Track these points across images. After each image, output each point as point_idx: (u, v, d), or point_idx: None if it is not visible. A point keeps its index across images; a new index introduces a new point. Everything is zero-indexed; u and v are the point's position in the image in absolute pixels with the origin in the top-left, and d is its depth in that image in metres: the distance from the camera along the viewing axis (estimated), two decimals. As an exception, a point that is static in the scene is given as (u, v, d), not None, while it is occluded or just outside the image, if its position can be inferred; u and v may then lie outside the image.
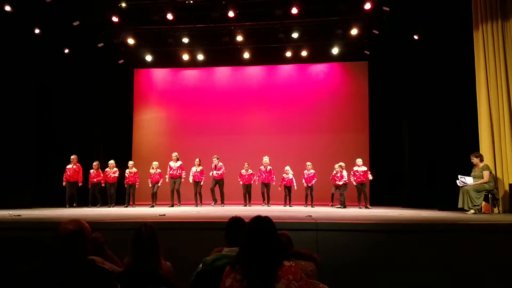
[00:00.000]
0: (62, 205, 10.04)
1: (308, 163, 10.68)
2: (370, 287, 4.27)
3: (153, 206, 10.35)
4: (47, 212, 8.06)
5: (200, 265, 3.00)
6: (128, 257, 2.87)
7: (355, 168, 10.18)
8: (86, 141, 12.06)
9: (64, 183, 10.19)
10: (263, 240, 2.20)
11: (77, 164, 10.33)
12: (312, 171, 10.58)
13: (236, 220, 3.14)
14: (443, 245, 4.44)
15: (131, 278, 2.65)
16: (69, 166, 10.26)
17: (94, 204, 10.40)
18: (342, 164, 10.30)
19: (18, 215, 6.38)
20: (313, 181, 10.55)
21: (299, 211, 8.41)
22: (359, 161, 10.23)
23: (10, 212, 6.99)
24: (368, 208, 9.77)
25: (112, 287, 2.30)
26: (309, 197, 10.56)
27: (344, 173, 10.19)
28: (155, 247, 2.76)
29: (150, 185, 10.68)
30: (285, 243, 2.90)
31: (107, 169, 10.65)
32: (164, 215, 6.81)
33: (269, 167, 10.70)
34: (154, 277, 2.67)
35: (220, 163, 10.70)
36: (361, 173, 10.07)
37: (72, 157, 10.28)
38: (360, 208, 9.80)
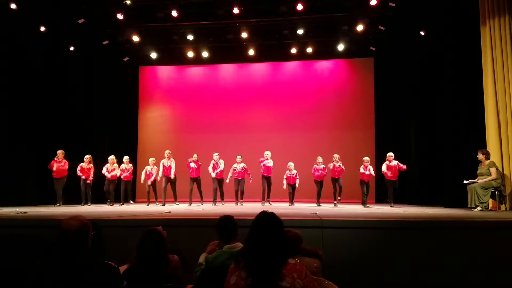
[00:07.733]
0: (67, 203, 10.00)
1: (319, 157, 10.16)
2: (375, 284, 4.26)
3: (164, 204, 10.02)
4: (53, 209, 8.10)
5: (202, 260, 3.03)
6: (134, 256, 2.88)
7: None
8: (91, 139, 12.02)
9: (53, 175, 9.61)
10: (268, 237, 2.17)
11: (64, 159, 9.73)
12: (322, 166, 10.10)
13: (225, 219, 3.15)
14: (449, 242, 4.42)
15: (136, 275, 2.67)
16: (57, 162, 9.61)
17: (86, 201, 10.01)
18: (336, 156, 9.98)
19: (25, 212, 6.44)
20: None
21: (304, 208, 8.40)
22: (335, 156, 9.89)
23: (17, 210, 7.05)
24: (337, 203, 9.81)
25: (118, 283, 2.31)
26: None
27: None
28: (160, 251, 2.76)
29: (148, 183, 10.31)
30: (292, 240, 2.88)
31: (107, 165, 10.26)
32: (170, 212, 6.84)
33: (269, 162, 10.14)
34: (158, 274, 2.68)
35: (221, 160, 10.25)
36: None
37: (58, 151, 9.65)
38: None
